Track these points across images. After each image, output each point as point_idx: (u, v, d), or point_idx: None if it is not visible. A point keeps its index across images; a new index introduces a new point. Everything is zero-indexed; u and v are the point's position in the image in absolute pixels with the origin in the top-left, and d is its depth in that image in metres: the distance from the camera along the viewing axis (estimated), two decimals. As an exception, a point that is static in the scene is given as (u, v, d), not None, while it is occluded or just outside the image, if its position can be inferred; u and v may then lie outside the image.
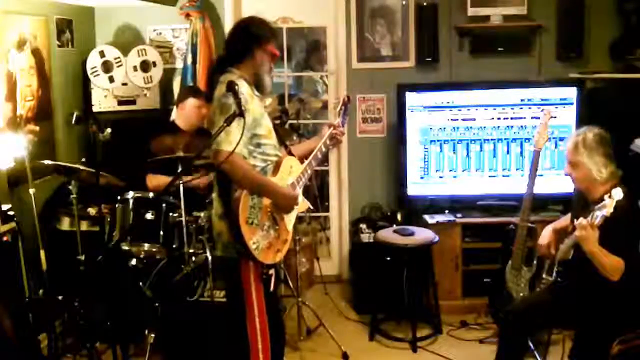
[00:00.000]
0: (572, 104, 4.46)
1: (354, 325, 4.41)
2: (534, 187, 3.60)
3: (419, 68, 4.90)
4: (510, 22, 4.71)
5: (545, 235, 3.30)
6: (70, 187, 3.55)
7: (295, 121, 4.51)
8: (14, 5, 3.97)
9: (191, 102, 4.14)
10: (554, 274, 3.22)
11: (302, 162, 2.88)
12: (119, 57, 4.61)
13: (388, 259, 4.27)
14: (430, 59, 4.80)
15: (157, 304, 3.60)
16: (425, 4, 4.76)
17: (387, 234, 4.18)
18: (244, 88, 2.64)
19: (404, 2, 4.89)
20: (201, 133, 4.20)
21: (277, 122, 3.73)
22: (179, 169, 3.55)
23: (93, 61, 4.56)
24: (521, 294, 3.56)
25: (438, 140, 4.56)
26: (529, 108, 4.49)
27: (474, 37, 4.82)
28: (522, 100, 4.50)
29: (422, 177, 4.60)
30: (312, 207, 3.02)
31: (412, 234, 4.15)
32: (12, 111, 3.91)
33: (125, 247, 3.64)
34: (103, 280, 3.50)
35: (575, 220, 2.94)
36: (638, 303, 2.93)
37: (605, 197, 2.63)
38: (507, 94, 4.51)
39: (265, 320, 2.66)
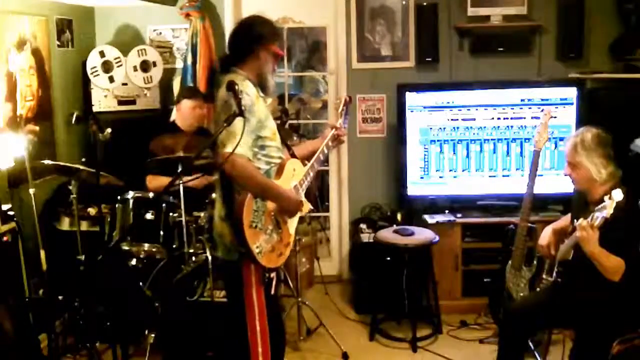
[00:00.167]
0: (572, 104, 4.46)
1: (354, 325, 4.41)
2: (534, 187, 3.60)
3: (419, 68, 4.90)
4: (510, 22, 4.71)
5: (545, 236, 3.29)
6: (70, 187, 3.55)
7: (295, 121, 4.52)
8: (14, 5, 3.97)
9: (185, 104, 4.14)
10: (554, 274, 3.21)
11: (304, 163, 2.86)
12: (119, 57, 4.61)
13: (388, 259, 4.27)
14: (430, 59, 4.80)
15: (157, 304, 3.60)
16: (425, 4, 4.76)
17: (387, 234, 4.18)
18: (250, 89, 2.61)
19: (404, 2, 4.89)
20: (201, 133, 4.21)
21: (277, 122, 3.73)
22: (179, 169, 3.55)
23: (93, 61, 4.56)
24: (521, 294, 3.56)
25: (438, 140, 4.56)
26: (529, 108, 4.49)
27: (474, 37, 4.82)
28: (522, 100, 4.50)
29: (422, 177, 4.60)
30: (312, 208, 2.99)
31: (412, 234, 4.15)
32: (12, 111, 3.91)
33: (125, 247, 3.65)
34: (103, 280, 3.50)
35: (575, 220, 2.94)
36: (638, 303, 2.93)
37: (605, 198, 2.63)
38: (507, 94, 4.51)
39: (265, 322, 2.64)
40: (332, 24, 5.04)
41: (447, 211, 4.55)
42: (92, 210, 3.91)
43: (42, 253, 3.53)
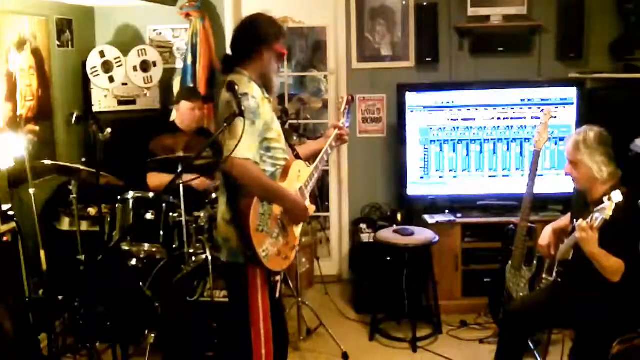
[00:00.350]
0: (572, 104, 4.46)
1: (354, 325, 4.42)
2: (534, 187, 3.60)
3: (419, 68, 4.90)
4: (510, 22, 4.71)
5: (545, 236, 3.29)
6: (70, 187, 3.55)
7: (295, 121, 4.51)
8: (14, 5, 3.97)
9: (184, 105, 4.14)
10: (554, 274, 3.22)
11: (307, 164, 2.85)
12: (119, 57, 4.61)
13: (388, 259, 4.27)
14: (430, 59, 4.80)
15: (157, 304, 3.60)
16: (425, 4, 4.76)
17: (387, 234, 4.18)
18: (256, 92, 2.58)
19: (404, 2, 4.89)
20: (201, 133, 4.21)
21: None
22: (179, 169, 3.55)
23: (93, 61, 4.56)
24: (521, 294, 3.56)
25: (438, 140, 4.56)
26: (529, 108, 4.49)
27: (474, 37, 4.82)
28: (522, 100, 4.50)
29: (422, 177, 4.60)
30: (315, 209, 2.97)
31: (412, 234, 4.15)
32: (12, 111, 3.91)
33: (125, 247, 3.65)
34: (103, 280, 3.50)
35: (575, 220, 2.94)
36: (638, 303, 2.93)
37: (605, 199, 2.63)
38: (507, 94, 4.51)
39: (269, 326, 2.62)
40: (332, 24, 5.04)
41: (447, 211, 4.55)
42: (92, 210, 3.91)
43: (42, 253, 3.53)
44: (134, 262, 3.65)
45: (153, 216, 3.69)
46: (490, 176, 4.57)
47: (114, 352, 3.39)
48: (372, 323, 4.22)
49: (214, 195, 3.93)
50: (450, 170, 4.58)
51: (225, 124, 2.50)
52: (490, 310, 4.06)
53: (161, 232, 3.68)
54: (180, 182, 3.47)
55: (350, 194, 5.13)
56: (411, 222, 4.58)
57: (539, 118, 3.78)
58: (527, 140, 4.49)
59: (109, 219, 3.76)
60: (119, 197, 3.73)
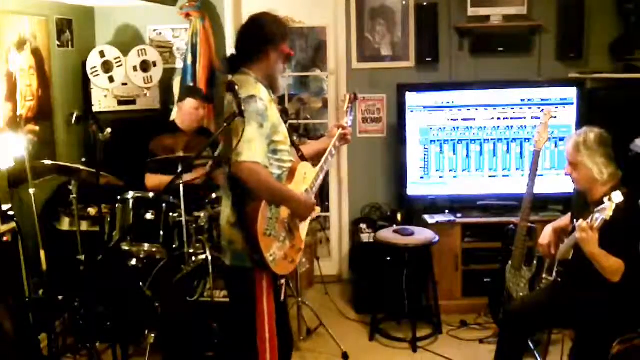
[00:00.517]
0: (572, 104, 4.46)
1: (354, 325, 4.42)
2: (534, 187, 3.60)
3: (419, 68, 4.90)
4: (510, 22, 4.71)
5: (546, 235, 3.29)
6: (70, 187, 3.55)
7: (295, 121, 4.51)
8: (14, 5, 3.97)
9: (189, 103, 4.13)
10: (554, 274, 3.22)
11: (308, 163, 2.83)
12: (119, 57, 4.61)
13: (388, 259, 4.27)
14: (430, 59, 4.80)
15: (157, 304, 3.60)
16: (425, 4, 4.76)
17: (387, 234, 4.18)
18: (263, 94, 2.55)
19: (404, 2, 4.89)
20: (201, 133, 4.21)
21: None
22: (179, 169, 3.55)
23: (93, 61, 4.56)
24: (521, 294, 3.56)
25: (438, 140, 4.56)
26: (529, 108, 4.49)
27: (474, 37, 4.82)
28: (522, 100, 4.50)
29: (422, 177, 4.60)
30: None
31: (412, 234, 4.15)
32: (12, 111, 3.91)
33: (125, 247, 3.65)
34: (103, 280, 3.50)
35: (575, 220, 2.94)
36: (638, 303, 2.93)
37: (605, 199, 2.63)
38: (507, 94, 4.51)
39: (274, 329, 2.59)
40: (332, 24, 5.04)
41: (447, 211, 4.55)
42: (92, 210, 3.90)
43: (42, 253, 3.53)
44: (134, 262, 3.65)
45: (153, 216, 3.69)
46: (490, 176, 4.57)
47: (114, 352, 3.39)
48: (372, 323, 4.22)
49: (214, 195, 3.93)
50: (450, 170, 4.58)
51: (225, 124, 2.49)
52: (490, 310, 4.06)
53: (161, 232, 3.68)
54: (181, 182, 3.47)
55: (350, 194, 5.13)
56: (411, 222, 4.58)
57: (539, 118, 3.78)
58: (527, 140, 4.49)
59: (109, 219, 3.76)
60: (119, 197, 3.73)
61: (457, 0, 4.77)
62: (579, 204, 3.14)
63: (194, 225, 3.70)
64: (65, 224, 3.95)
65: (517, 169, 4.53)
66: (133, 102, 4.68)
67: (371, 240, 4.46)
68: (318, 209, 2.77)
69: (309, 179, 2.74)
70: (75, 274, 3.56)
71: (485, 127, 4.52)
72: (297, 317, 4.13)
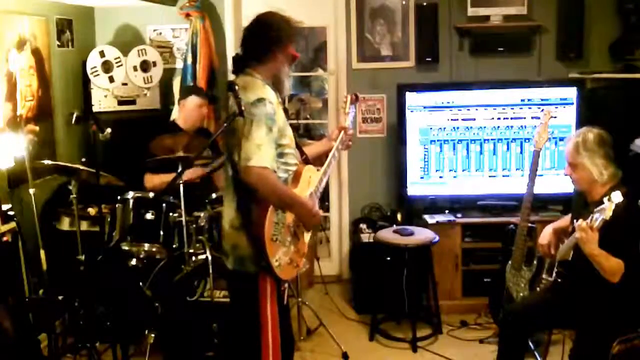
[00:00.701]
0: (572, 104, 4.46)
1: (354, 325, 4.42)
2: (534, 187, 3.60)
3: (419, 68, 4.90)
4: (510, 22, 4.71)
5: (546, 235, 3.29)
6: (70, 187, 3.55)
7: (295, 121, 4.51)
8: (14, 5, 3.97)
9: (193, 100, 4.13)
10: (554, 274, 3.22)
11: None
12: (119, 57, 4.61)
13: (388, 259, 4.27)
14: (430, 59, 4.80)
15: (157, 304, 3.60)
16: (425, 4, 4.76)
17: (387, 234, 4.18)
18: (271, 97, 2.52)
19: (404, 2, 4.89)
20: (201, 133, 4.20)
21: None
22: (179, 169, 3.55)
23: (93, 61, 4.56)
24: (521, 294, 3.56)
25: (438, 140, 4.56)
26: (529, 108, 4.49)
27: (474, 37, 4.82)
28: (522, 100, 4.50)
29: (422, 177, 4.60)
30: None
31: (412, 234, 4.15)
32: (12, 111, 3.91)
33: (125, 247, 3.65)
34: (103, 280, 3.50)
35: (575, 220, 2.94)
36: (638, 303, 2.93)
37: (605, 199, 2.62)
38: (507, 94, 4.51)
39: (277, 334, 2.58)
40: (332, 24, 5.04)
41: (447, 211, 4.55)
42: (92, 210, 3.91)
43: (42, 253, 3.53)
44: (134, 262, 3.65)
45: (153, 216, 3.69)
46: (490, 176, 4.57)
47: (114, 352, 3.39)
48: (372, 323, 4.22)
49: (214, 195, 3.93)
50: (450, 170, 4.58)
51: (225, 124, 2.48)
52: (490, 310, 4.06)
53: (161, 232, 3.68)
54: (180, 182, 3.46)
55: (350, 194, 5.13)
56: (411, 222, 4.58)
57: (539, 118, 3.78)
58: (527, 140, 4.49)
59: (109, 219, 3.76)
60: (119, 197, 3.73)
61: (457, 0, 4.77)
62: (578, 204, 3.13)
63: (194, 225, 3.69)
64: (65, 224, 3.95)
65: (517, 169, 4.53)
66: (133, 102, 4.68)
67: (371, 240, 4.46)
68: (320, 212, 2.75)
69: (313, 182, 2.71)
70: (75, 274, 3.56)
71: (485, 127, 4.52)
72: (297, 317, 4.13)
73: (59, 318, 3.67)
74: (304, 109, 5.66)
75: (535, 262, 3.50)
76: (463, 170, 4.58)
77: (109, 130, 3.44)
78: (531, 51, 4.82)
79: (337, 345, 3.95)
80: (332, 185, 5.24)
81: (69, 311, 3.64)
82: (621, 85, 4.50)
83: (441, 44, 4.81)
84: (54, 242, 3.79)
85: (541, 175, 4.08)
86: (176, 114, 4.36)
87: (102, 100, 4.60)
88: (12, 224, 3.48)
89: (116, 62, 4.61)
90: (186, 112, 4.15)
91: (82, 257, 3.54)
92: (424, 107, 4.54)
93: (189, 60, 4.69)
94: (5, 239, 3.41)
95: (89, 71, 4.55)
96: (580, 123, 4.30)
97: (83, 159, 3.98)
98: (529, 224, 3.64)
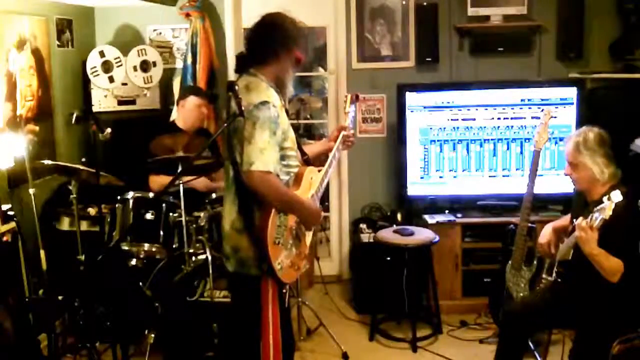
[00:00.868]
0: (572, 104, 4.46)
1: (354, 325, 4.42)
2: (534, 187, 3.60)
3: (419, 68, 4.90)
4: (510, 22, 4.71)
5: (546, 233, 3.29)
6: (70, 187, 3.55)
7: (295, 121, 4.50)
8: (14, 5, 3.97)
9: (192, 100, 4.13)
10: (554, 274, 3.22)
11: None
12: (119, 57, 4.61)
13: (388, 259, 4.27)
14: (430, 59, 4.79)
15: (157, 304, 3.60)
16: (425, 4, 4.76)
17: (387, 234, 4.18)
18: (275, 99, 2.50)
19: (404, 2, 4.89)
20: (201, 133, 4.20)
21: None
22: (179, 169, 3.55)
23: (93, 61, 4.56)
24: (521, 294, 3.56)
25: (438, 140, 4.56)
26: (529, 108, 4.49)
27: (474, 37, 4.82)
28: (522, 100, 4.50)
29: (422, 177, 4.60)
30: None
31: (412, 234, 4.15)
32: (12, 111, 3.91)
33: (125, 247, 3.65)
34: (103, 280, 3.50)
35: (575, 220, 2.94)
36: (638, 303, 2.93)
37: (604, 199, 2.62)
38: (507, 94, 4.51)
39: (279, 336, 2.56)
40: (332, 24, 5.04)
41: (447, 211, 4.55)
42: (92, 210, 3.90)
43: (42, 253, 3.53)
44: (134, 262, 3.65)
45: (153, 216, 3.69)
46: (490, 176, 4.57)
47: (114, 352, 3.39)
48: (372, 323, 4.22)
49: (214, 195, 3.93)
50: (450, 170, 4.58)
51: (225, 124, 2.47)
52: (490, 310, 4.06)
53: (161, 232, 3.68)
54: (181, 182, 3.47)
55: (350, 194, 5.13)
56: (411, 222, 4.58)
57: (539, 118, 3.78)
58: (527, 140, 4.49)
59: (109, 219, 3.76)
60: (119, 197, 3.73)
61: (457, 0, 4.77)
62: (578, 204, 3.13)
63: (194, 225, 3.69)
64: (65, 224, 3.95)
65: (517, 169, 4.53)
66: (133, 102, 4.68)
67: (371, 240, 4.46)
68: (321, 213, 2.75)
69: (315, 184, 2.71)
70: (75, 274, 3.56)
71: (485, 127, 4.52)
72: (297, 317, 4.13)
73: (59, 318, 3.67)
74: (304, 108, 5.65)
75: (535, 262, 3.50)
76: (463, 170, 4.58)
77: (109, 130, 3.44)
78: (531, 51, 4.82)
79: (337, 345, 3.95)
80: (332, 185, 5.23)
81: (69, 311, 3.64)
82: (621, 85, 4.50)
83: (441, 44, 4.81)
84: (54, 242, 3.78)
85: (541, 175, 4.08)
86: (176, 115, 4.35)
87: (102, 100, 4.60)
88: (12, 224, 3.49)
89: (116, 62, 4.61)
90: (185, 112, 4.15)
91: (82, 257, 3.54)
92: (424, 107, 4.54)
93: (189, 60, 4.68)
94: (5, 239, 3.41)
95: (89, 71, 4.55)
96: (580, 123, 4.30)
97: (83, 159, 3.98)
98: (529, 224, 3.64)
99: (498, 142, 4.54)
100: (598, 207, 2.65)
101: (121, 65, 4.62)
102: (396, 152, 4.79)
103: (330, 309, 4.62)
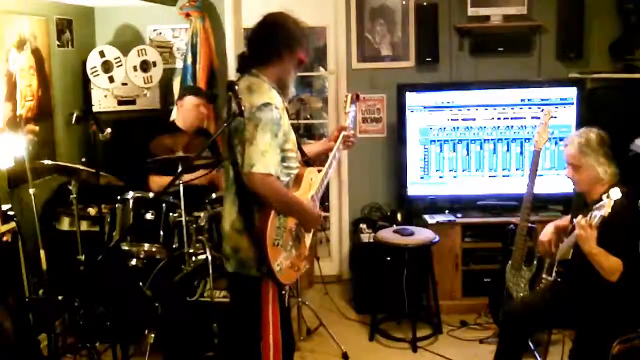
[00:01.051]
0: (572, 104, 4.46)
1: (354, 325, 4.42)
2: (534, 187, 3.60)
3: (419, 68, 4.90)
4: (510, 22, 4.71)
5: (547, 232, 3.29)
6: (70, 187, 3.55)
7: (295, 121, 4.50)
8: (14, 5, 3.97)
9: (190, 100, 4.13)
10: (554, 274, 3.22)
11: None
12: (119, 57, 4.61)
13: (388, 259, 4.27)
14: (430, 59, 4.80)
15: (157, 304, 3.60)
16: (425, 4, 4.76)
17: (387, 234, 4.18)
18: (277, 101, 2.49)
19: (404, 2, 4.89)
20: (201, 133, 4.20)
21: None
22: (179, 169, 3.55)
23: (93, 61, 4.56)
24: (521, 294, 3.56)
25: (438, 140, 4.56)
26: (529, 108, 4.49)
27: (474, 37, 4.82)
28: (522, 100, 4.50)
29: (422, 177, 4.60)
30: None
31: (412, 234, 4.15)
32: (12, 111, 3.91)
33: (125, 247, 3.65)
34: (103, 280, 3.50)
35: (574, 220, 2.94)
36: (638, 303, 2.93)
37: (604, 197, 2.63)
38: (507, 94, 4.51)
39: (279, 337, 2.56)
40: (332, 24, 5.04)
41: (447, 211, 4.55)
42: (92, 210, 3.90)
43: (42, 253, 3.53)
44: (134, 262, 3.65)
45: (153, 216, 3.69)
46: (490, 176, 4.57)
47: (114, 352, 3.39)
48: (372, 323, 4.22)
49: (214, 195, 3.93)
50: (450, 170, 4.58)
51: (225, 124, 2.47)
52: (490, 310, 4.06)
53: (161, 232, 3.68)
54: (181, 182, 3.46)
55: (350, 194, 5.13)
56: (411, 222, 4.58)
57: (539, 118, 3.78)
58: (527, 140, 4.49)
59: (109, 219, 3.76)
60: (119, 197, 3.73)
61: (457, 0, 4.77)
62: (578, 204, 3.13)
63: (194, 225, 3.69)
64: (65, 224, 3.94)
65: (517, 169, 4.53)
66: (133, 102, 4.68)
67: (371, 240, 4.46)
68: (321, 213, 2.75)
69: (315, 185, 2.70)
70: (75, 274, 3.56)
71: (485, 127, 4.52)
72: (297, 317, 4.13)
73: (59, 318, 3.67)
74: (304, 108, 5.65)
75: (535, 262, 3.50)
76: (463, 170, 4.58)
77: (109, 130, 3.44)
78: (531, 51, 4.82)
79: (337, 345, 3.95)
80: (332, 185, 5.23)
81: (69, 311, 3.64)
82: (621, 85, 4.50)
83: (441, 44, 4.81)
84: (54, 242, 3.78)
85: (541, 175, 4.08)
86: (175, 114, 4.35)
87: (102, 100, 4.60)
88: (12, 224, 3.49)
89: (116, 62, 4.61)
90: (184, 112, 4.15)
91: (82, 257, 3.54)
92: (424, 107, 4.54)
93: (189, 60, 4.68)
94: (5, 239, 3.41)
95: (89, 71, 4.55)
96: (580, 123, 4.31)
97: (83, 159, 3.98)
98: (529, 224, 3.64)
99: (498, 142, 4.54)
100: (597, 205, 2.66)
101: (121, 65, 4.62)
102: (396, 152, 4.79)
103: (330, 309, 4.62)
